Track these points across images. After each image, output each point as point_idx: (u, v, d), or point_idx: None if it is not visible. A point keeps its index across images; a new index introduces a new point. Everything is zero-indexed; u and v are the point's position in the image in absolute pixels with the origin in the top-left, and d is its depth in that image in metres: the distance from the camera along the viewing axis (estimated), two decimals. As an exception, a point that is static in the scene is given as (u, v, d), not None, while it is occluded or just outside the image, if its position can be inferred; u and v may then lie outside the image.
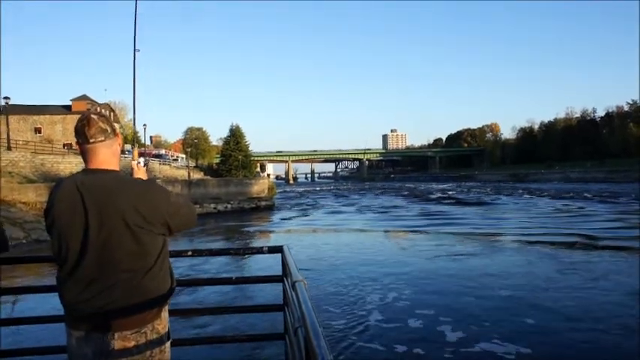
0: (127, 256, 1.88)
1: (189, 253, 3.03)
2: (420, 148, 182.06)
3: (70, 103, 63.39)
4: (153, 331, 1.93)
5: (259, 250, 3.12)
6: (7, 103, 32.44)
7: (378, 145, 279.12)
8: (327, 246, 16.68)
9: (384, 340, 6.45)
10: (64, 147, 47.05)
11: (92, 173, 1.95)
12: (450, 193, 51.46)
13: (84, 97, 64.34)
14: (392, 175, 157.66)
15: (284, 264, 2.80)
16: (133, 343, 1.87)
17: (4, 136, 32.38)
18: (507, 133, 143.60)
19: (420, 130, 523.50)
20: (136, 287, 1.89)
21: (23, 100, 62.90)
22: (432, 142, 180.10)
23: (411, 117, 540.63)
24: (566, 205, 31.41)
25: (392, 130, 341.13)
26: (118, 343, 1.85)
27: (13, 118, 39.03)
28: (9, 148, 30.92)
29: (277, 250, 2.96)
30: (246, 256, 13.90)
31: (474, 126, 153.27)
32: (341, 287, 9.98)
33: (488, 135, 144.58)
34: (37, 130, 58.44)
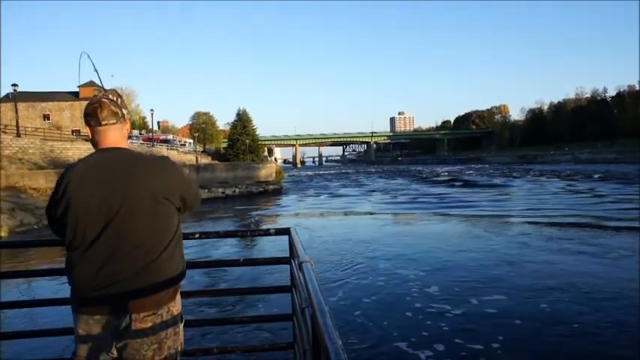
0: (147, 230, 1.89)
1: (197, 235, 3.04)
2: (428, 130, 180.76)
3: (77, 89, 63.44)
4: (168, 312, 1.94)
5: (266, 232, 3.13)
6: (15, 90, 32.51)
7: (385, 128, 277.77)
8: (334, 228, 16.77)
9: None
10: (72, 133, 47.21)
11: (107, 151, 1.97)
12: (458, 175, 51.30)
13: (91, 84, 63.98)
14: (399, 158, 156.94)
15: (291, 245, 2.80)
16: (149, 325, 1.88)
17: (14, 122, 32.59)
18: (516, 114, 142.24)
19: (428, 113, 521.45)
20: (153, 266, 1.89)
21: (31, 87, 63.01)
22: (439, 124, 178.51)
23: (419, 99, 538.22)
24: (571, 185, 31.43)
25: (399, 113, 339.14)
26: (135, 325, 1.86)
27: (21, 105, 39.35)
28: (18, 135, 31.10)
29: (284, 232, 2.96)
30: (254, 238, 14.02)
31: (483, 108, 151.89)
32: (345, 265, 10.75)
33: (496, 117, 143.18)
34: (46, 117, 58.61)
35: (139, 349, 1.88)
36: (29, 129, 37.90)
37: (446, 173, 56.82)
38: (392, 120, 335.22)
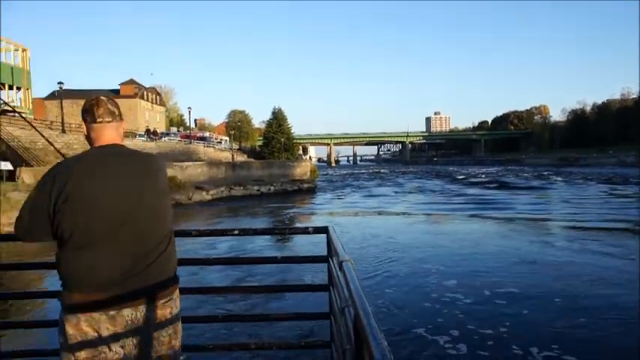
0: (159, 222, 1.96)
1: (236, 232, 3.07)
2: (465, 130, 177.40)
3: (118, 87, 65.34)
4: (177, 298, 2.03)
5: (304, 231, 3.12)
6: (60, 87, 33.72)
7: (421, 127, 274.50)
8: (366, 227, 16.71)
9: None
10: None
11: (107, 148, 1.97)
12: (495, 177, 50.23)
13: (131, 82, 66.11)
14: (435, 159, 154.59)
15: (329, 244, 2.79)
16: (168, 311, 1.95)
17: (59, 119, 33.83)
18: (557, 115, 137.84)
19: (465, 113, 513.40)
20: (166, 254, 1.96)
21: (75, 85, 65.17)
22: (476, 124, 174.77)
23: (455, 99, 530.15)
24: (614, 189, 30.34)
25: (435, 113, 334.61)
26: (157, 313, 1.91)
27: (66, 102, 40.67)
28: (63, 131, 32.27)
29: (322, 230, 2.95)
30: (286, 236, 14.08)
31: (522, 108, 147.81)
32: (373, 260, 11.15)
33: (536, 117, 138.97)
34: (89, 114, 60.45)
35: (158, 336, 1.93)
36: (73, 125, 39.16)
37: (482, 174, 55.71)
38: (427, 120, 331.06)
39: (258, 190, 34.86)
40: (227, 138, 72.34)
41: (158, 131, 53.73)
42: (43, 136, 17.98)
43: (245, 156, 62.93)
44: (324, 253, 2.87)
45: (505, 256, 11.26)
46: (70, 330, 1.83)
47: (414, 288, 8.79)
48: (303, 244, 12.28)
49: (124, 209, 1.86)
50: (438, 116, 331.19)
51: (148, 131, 48.66)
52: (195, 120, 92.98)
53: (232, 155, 51.81)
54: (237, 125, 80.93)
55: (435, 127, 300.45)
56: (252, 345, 2.97)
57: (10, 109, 26.66)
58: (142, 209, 1.89)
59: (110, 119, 1.99)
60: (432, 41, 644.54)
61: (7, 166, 22.41)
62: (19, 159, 24.50)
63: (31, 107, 40.63)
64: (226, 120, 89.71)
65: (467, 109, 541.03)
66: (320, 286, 3.12)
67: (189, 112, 57.27)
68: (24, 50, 39.79)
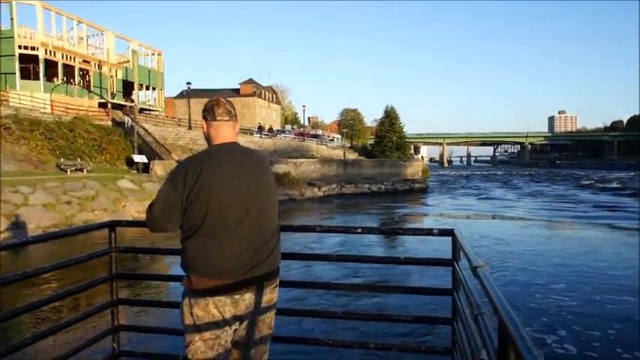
0: (273, 215, 2.17)
1: (359, 230, 3.09)
2: (594, 131, 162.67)
3: (238, 86, 69.23)
4: (278, 283, 2.24)
5: (429, 232, 3.05)
6: (188, 87, 36.63)
7: (542, 127, 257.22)
8: (480, 232, 15.95)
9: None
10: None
11: (227, 145, 2.14)
12: (629, 183, 45.36)
13: (250, 81, 69.68)
14: (558, 161, 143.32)
15: (455, 247, 2.71)
16: (274, 296, 2.17)
17: (187, 117, 36.76)
18: None
19: (594, 112, 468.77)
20: (278, 244, 2.18)
21: (201, 85, 70.05)
22: (608, 125, 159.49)
23: (583, 97, 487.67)
24: None
25: (559, 112, 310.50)
26: (268, 298, 2.11)
27: (192, 101, 43.97)
28: (190, 128, 34.97)
29: (448, 233, 2.88)
30: (397, 236, 13.90)
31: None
32: (489, 265, 10.61)
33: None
34: (212, 112, 64.73)
35: (265, 318, 2.13)
36: (199, 122, 42.22)
37: (614, 180, 50.69)
38: (550, 119, 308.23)
39: (368, 189, 34.94)
40: (339, 136, 73.49)
41: (274, 128, 56.01)
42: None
43: (356, 154, 63.32)
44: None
45: (626, 265, 10.69)
46: (198, 312, 2.01)
47: (520, 288, 8.82)
48: (403, 243, 12.30)
49: (246, 202, 2.04)
50: (563, 115, 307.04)
51: (260, 128, 50.74)
52: (308, 118, 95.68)
53: (344, 153, 52.40)
54: (349, 123, 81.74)
55: (559, 128, 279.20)
56: (372, 345, 2.96)
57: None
58: (259, 202, 2.07)
59: (228, 118, 2.17)
60: (555, 33, 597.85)
61: (142, 159, 24.85)
62: (152, 153, 26.94)
63: (163, 106, 44.54)
64: (338, 118, 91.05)
65: (597, 108, 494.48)
66: (442, 290, 3.03)
67: (304, 110, 59.08)
68: (159, 54, 43.69)
